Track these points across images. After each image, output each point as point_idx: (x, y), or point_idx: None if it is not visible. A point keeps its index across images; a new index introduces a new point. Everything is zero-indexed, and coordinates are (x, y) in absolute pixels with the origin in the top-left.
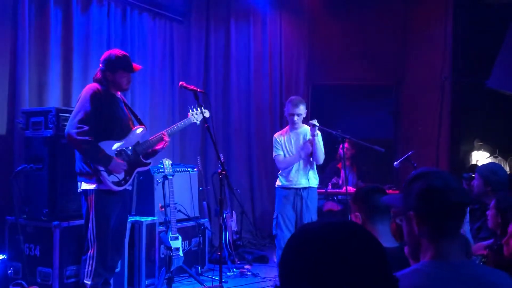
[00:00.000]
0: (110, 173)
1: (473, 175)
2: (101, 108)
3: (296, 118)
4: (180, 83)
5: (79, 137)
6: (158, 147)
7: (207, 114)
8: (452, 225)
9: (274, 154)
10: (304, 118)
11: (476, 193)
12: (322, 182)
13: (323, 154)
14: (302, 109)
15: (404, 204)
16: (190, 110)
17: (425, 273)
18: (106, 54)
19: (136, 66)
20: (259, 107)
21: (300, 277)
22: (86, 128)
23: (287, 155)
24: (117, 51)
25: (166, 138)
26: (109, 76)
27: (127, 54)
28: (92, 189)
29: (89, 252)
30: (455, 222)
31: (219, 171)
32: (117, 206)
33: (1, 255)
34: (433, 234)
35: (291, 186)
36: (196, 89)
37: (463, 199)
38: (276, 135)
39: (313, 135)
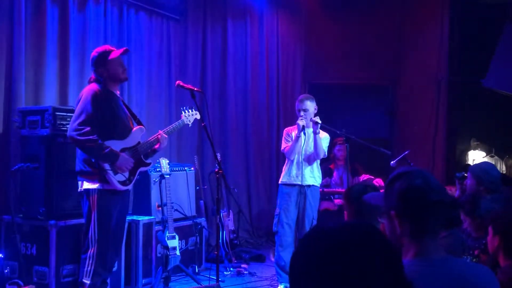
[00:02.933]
0: (116, 172)
1: (466, 175)
2: (103, 109)
3: (302, 113)
4: (177, 82)
5: (81, 137)
6: (156, 146)
7: (198, 116)
8: (433, 223)
9: (282, 147)
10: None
11: (468, 193)
12: None
13: (323, 152)
14: (308, 104)
15: (386, 203)
16: (183, 112)
17: (410, 272)
18: (90, 57)
19: (118, 50)
20: (256, 106)
21: (312, 278)
22: (87, 129)
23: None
24: (96, 49)
25: (165, 135)
26: (103, 72)
27: (107, 45)
28: (94, 189)
29: (89, 251)
30: (435, 220)
31: (216, 170)
32: (118, 205)
33: None
34: (414, 233)
35: (295, 183)
36: (193, 88)
37: (443, 197)
38: (288, 129)
39: (314, 132)
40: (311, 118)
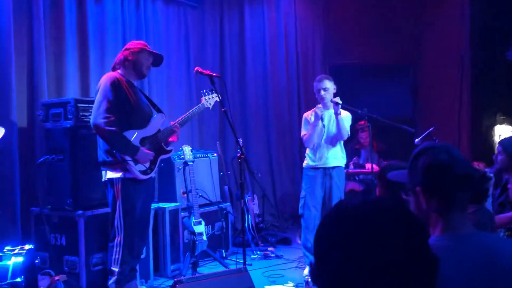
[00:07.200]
0: (137, 162)
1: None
2: (122, 97)
3: (323, 92)
4: (196, 68)
5: (107, 127)
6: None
7: (218, 98)
8: (460, 198)
9: (302, 133)
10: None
11: (499, 168)
12: None
13: (347, 132)
14: (327, 83)
15: (411, 179)
16: (203, 95)
17: (438, 247)
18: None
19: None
20: (276, 90)
21: (337, 253)
22: (113, 118)
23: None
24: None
25: (177, 130)
26: (131, 55)
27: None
28: (118, 178)
29: (116, 239)
30: (462, 194)
31: (238, 155)
32: (142, 193)
33: (28, 245)
34: (441, 208)
35: (319, 166)
36: (211, 74)
37: (470, 171)
38: (305, 114)
39: (336, 113)
40: (331, 99)
